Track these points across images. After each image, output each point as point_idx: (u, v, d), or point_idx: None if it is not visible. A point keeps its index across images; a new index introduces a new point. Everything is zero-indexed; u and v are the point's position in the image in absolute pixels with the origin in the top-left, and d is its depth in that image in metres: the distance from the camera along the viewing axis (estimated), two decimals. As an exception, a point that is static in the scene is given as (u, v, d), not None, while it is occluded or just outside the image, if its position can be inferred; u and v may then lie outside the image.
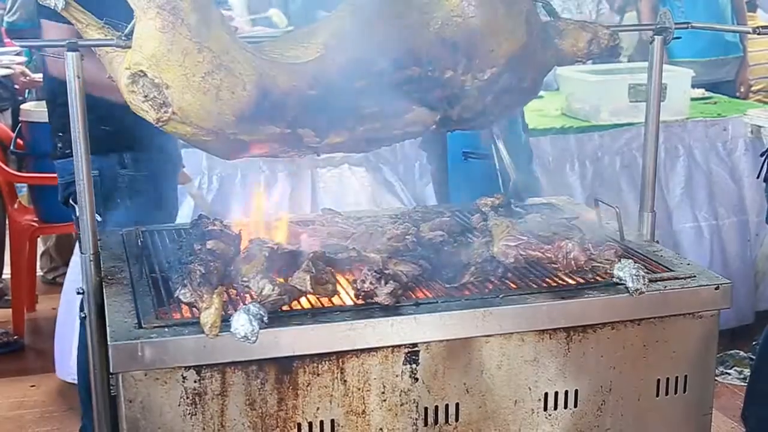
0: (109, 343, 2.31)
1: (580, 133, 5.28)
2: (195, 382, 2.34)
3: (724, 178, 5.60)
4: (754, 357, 4.97)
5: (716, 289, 2.73)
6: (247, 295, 2.48)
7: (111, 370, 2.34)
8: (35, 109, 5.53)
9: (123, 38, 2.39)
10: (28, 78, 6.52)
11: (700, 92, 6.20)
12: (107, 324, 2.40)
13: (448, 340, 2.49)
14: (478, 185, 3.82)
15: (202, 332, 2.28)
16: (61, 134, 3.63)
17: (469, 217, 3.12)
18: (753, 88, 7.27)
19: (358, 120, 2.57)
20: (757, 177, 4.19)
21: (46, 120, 3.86)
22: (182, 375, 2.33)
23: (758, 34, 3.01)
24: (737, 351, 5.27)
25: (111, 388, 2.59)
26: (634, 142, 5.28)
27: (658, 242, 3.12)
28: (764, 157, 4.14)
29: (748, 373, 5.03)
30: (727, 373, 5.14)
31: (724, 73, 6.98)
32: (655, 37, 3.05)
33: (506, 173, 3.76)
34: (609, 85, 5.42)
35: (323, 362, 2.42)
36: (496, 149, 3.84)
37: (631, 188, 5.24)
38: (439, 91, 2.63)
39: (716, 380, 4.96)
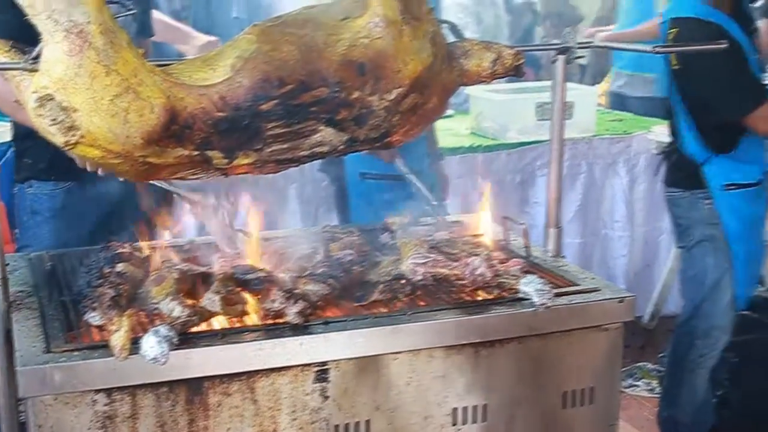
0: (17, 368, 2.29)
1: (489, 152, 5.35)
2: (105, 405, 2.33)
3: (619, 194, 5.71)
4: (661, 369, 5.07)
5: (620, 302, 2.79)
6: (157, 317, 2.49)
7: (19, 396, 2.34)
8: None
9: (30, 61, 2.38)
10: None
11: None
12: (15, 349, 2.39)
13: (357, 358, 2.52)
14: (377, 205, 3.86)
15: (112, 355, 2.28)
16: None
17: (378, 235, 3.15)
18: None
19: (266, 141, 2.59)
20: (655, 174, 4.29)
21: None
22: (92, 398, 2.33)
23: (657, 53, 3.09)
24: (645, 363, 5.37)
25: (20, 414, 2.57)
26: (538, 160, 5.37)
27: (564, 257, 3.18)
28: (661, 157, 4.24)
29: (656, 385, 5.13)
30: (635, 385, 5.23)
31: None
32: (558, 56, 3.12)
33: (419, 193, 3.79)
34: (516, 104, 5.50)
35: (233, 382, 2.43)
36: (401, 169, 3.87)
37: (530, 205, 5.34)
38: (347, 112, 2.65)
39: (625, 392, 5.07)
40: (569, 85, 5.22)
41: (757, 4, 4.89)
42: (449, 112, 5.83)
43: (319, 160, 2.90)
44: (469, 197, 5.14)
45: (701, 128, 3.90)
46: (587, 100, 5.70)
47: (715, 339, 4.03)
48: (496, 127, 5.49)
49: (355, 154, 2.90)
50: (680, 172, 4.06)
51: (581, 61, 8.73)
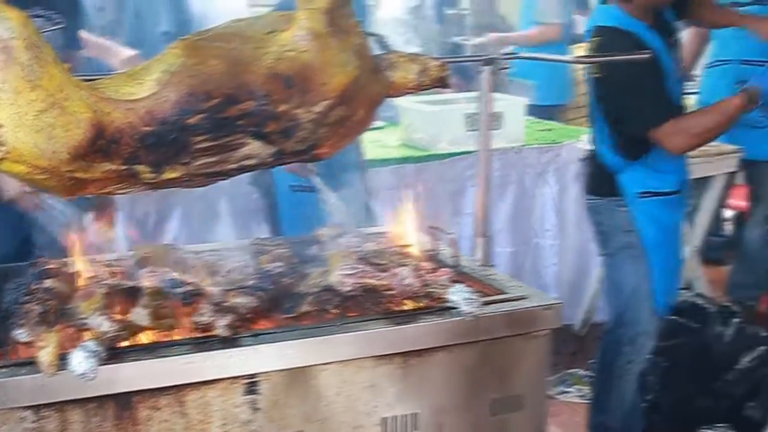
0: (-56, 386, 2.28)
1: (419, 163, 5.37)
2: (33, 422, 2.33)
3: (549, 202, 5.76)
4: (593, 375, 5.12)
5: (547, 309, 2.83)
6: (86, 333, 2.48)
7: (-53, 414, 2.32)
8: None
9: (-46, 78, 2.37)
10: None
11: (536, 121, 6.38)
12: (-58, 366, 2.37)
13: (287, 370, 2.53)
14: (308, 217, 3.88)
15: (40, 371, 2.27)
16: None
17: (308, 247, 3.16)
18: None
19: (193, 155, 2.59)
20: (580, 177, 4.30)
21: None
22: (20, 415, 2.32)
23: (578, 63, 3.14)
24: (577, 369, 5.41)
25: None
26: (469, 170, 5.39)
27: (492, 266, 3.22)
28: (583, 165, 4.25)
29: (587, 391, 5.18)
30: (567, 391, 5.27)
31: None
32: (484, 67, 3.16)
33: (331, 205, 3.82)
34: (446, 115, 5.52)
35: (163, 396, 2.43)
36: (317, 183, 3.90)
37: (462, 215, 5.36)
38: (274, 125, 2.67)
39: (556, 398, 5.12)
40: (499, 95, 5.28)
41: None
42: (380, 124, 5.84)
43: (250, 173, 2.92)
44: (400, 208, 5.16)
45: (616, 136, 3.93)
46: (516, 110, 5.75)
47: (641, 345, 4.06)
48: (427, 138, 5.51)
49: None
50: (598, 179, 4.08)
51: (512, 70, 8.82)
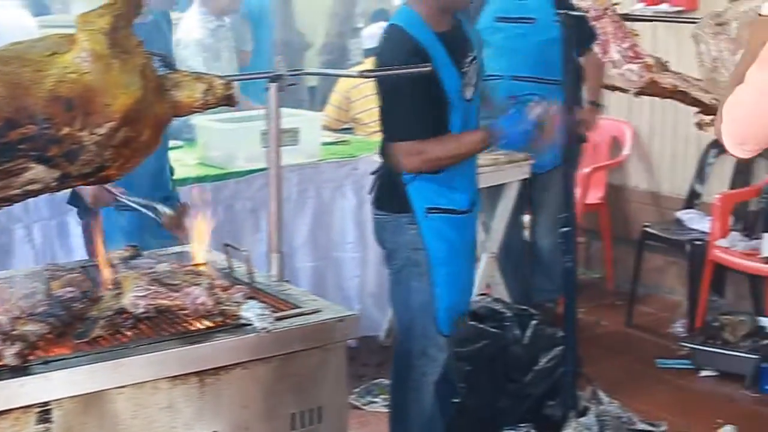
0: None
1: (217, 181, 5.34)
2: None
3: (349, 215, 5.81)
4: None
5: (340, 321, 2.87)
6: None
7: None
8: None
9: None
10: None
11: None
12: None
13: (80, 396, 2.50)
14: (133, 236, 3.80)
15: None
16: None
17: (101, 271, 3.12)
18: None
19: (-27, 182, 2.54)
20: (369, 193, 4.26)
21: None
22: None
23: (363, 77, 3.19)
24: (382, 379, 5.46)
25: None
26: (266, 187, 5.37)
27: (287, 281, 3.24)
28: (374, 176, 4.20)
29: (393, 400, 5.25)
30: (374, 401, 5.32)
31: None
32: (270, 84, 3.19)
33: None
34: (242, 132, 5.49)
35: (-49, 431, 2.37)
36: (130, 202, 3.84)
37: (263, 231, 5.35)
38: (57, 148, 2.63)
39: (363, 409, 5.17)
40: (294, 111, 5.30)
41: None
42: (178, 143, 5.80)
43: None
44: (196, 227, 5.13)
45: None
46: (312, 125, 5.77)
47: (432, 358, 4.05)
48: (223, 156, 5.49)
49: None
50: (387, 194, 4.05)
51: (311, 83, 8.88)
